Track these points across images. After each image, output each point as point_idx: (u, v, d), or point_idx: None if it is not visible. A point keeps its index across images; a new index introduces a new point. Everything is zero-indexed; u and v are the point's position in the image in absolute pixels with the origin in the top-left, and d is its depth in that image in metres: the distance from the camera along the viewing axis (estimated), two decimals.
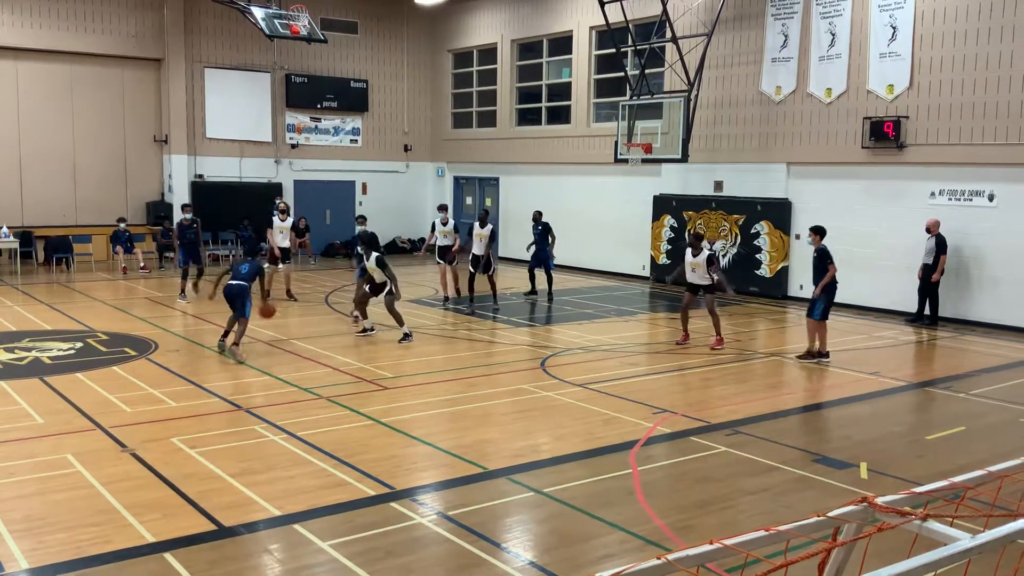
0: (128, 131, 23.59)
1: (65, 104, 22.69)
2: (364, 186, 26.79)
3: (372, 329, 13.70)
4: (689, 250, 13.31)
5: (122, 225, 21.48)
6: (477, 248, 16.73)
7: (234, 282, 12.21)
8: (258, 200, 24.06)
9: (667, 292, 19.71)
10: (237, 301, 12.09)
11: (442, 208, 18.12)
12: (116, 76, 23.28)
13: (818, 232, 12.39)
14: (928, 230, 15.29)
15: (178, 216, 22.97)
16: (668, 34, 18.58)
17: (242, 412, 9.23)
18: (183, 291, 17.22)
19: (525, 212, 24.46)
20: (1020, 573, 3.49)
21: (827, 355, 12.28)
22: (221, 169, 24.37)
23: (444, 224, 17.26)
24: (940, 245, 15.14)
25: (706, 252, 13.15)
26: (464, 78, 27.20)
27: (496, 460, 7.82)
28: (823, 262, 12.24)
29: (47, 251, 22.02)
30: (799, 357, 12.41)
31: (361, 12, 26.30)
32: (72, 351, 12.18)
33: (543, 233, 17.81)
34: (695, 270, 13.17)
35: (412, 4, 26.18)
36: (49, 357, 11.75)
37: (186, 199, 23.75)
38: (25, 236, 21.83)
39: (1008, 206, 14.98)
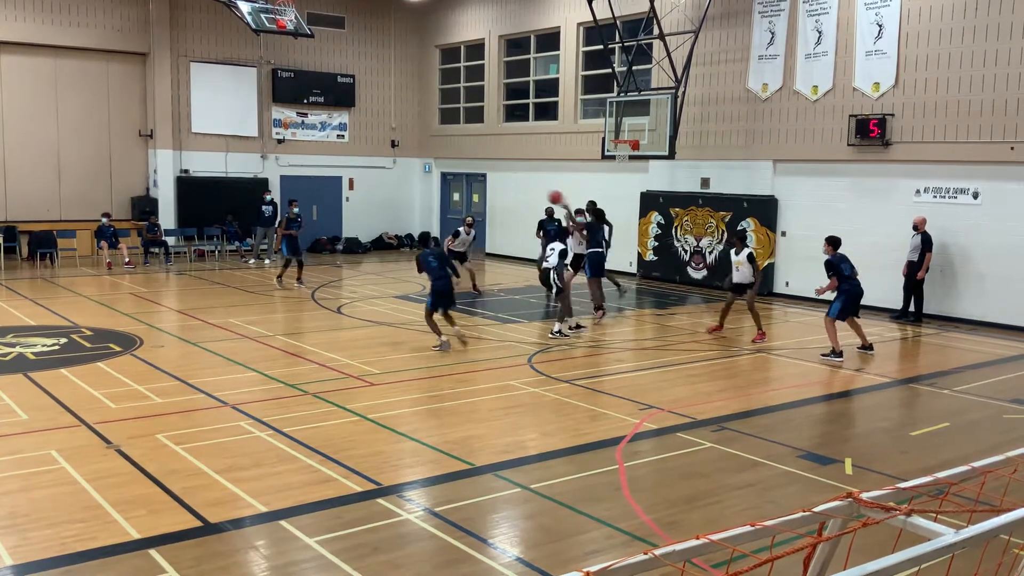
0: (113, 125, 23.43)
1: (49, 98, 22.52)
2: (351, 182, 26.72)
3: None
4: (732, 250, 13.97)
5: (106, 220, 21.36)
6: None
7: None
8: (244, 195, 24.02)
9: (653, 288, 19.77)
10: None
11: (468, 223, 18.43)
12: (101, 70, 23.12)
13: (830, 242, 12.63)
14: (915, 227, 15.38)
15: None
16: (655, 31, 18.60)
17: (228, 408, 9.20)
18: (280, 277, 18.40)
19: (512, 208, 24.52)
20: (1003, 568, 3.52)
21: (840, 354, 12.29)
22: (207, 164, 24.24)
23: (468, 234, 18.05)
24: (926, 242, 15.23)
25: (747, 250, 13.74)
26: (451, 74, 27.15)
27: (483, 456, 7.82)
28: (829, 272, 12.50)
29: (31, 246, 21.87)
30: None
31: (348, 7, 26.21)
32: (56, 347, 12.10)
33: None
34: (739, 268, 13.66)
35: None
36: (33, 353, 11.67)
37: (171, 194, 23.70)
38: (9, 231, 21.68)
39: (992, 204, 15.08)
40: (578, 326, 14.02)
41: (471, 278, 17.92)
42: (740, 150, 18.89)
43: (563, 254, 14.36)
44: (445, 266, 12.64)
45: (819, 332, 13.87)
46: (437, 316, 12.69)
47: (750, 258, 13.56)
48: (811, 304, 17.01)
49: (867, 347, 12.64)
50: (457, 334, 12.57)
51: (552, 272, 14.20)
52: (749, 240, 18.64)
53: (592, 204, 16.86)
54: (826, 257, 12.53)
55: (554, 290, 14.39)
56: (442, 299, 12.58)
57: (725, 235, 19.12)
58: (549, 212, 18.75)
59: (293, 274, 18.62)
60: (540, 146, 23.76)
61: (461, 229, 18.09)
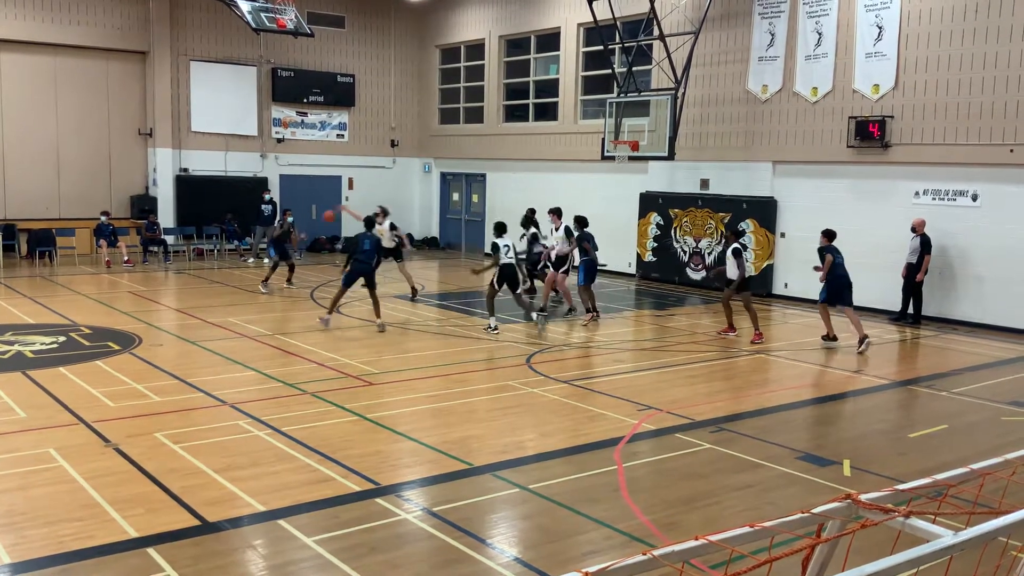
0: (112, 124, 23.42)
1: (49, 96, 22.51)
2: (351, 181, 26.71)
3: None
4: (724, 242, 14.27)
5: (105, 218, 21.35)
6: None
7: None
8: (243, 195, 24.01)
9: (652, 289, 19.77)
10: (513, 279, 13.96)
11: (376, 212, 17.09)
12: (100, 68, 23.11)
13: (825, 234, 13.20)
14: (913, 229, 15.39)
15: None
16: (656, 32, 18.60)
17: (226, 407, 9.19)
18: (266, 280, 17.65)
19: (512, 209, 24.48)
20: (1001, 570, 3.52)
21: (834, 339, 13.07)
22: (206, 163, 24.24)
23: (382, 223, 16.96)
24: (925, 244, 15.24)
25: (734, 245, 13.76)
26: (451, 74, 27.15)
27: (481, 456, 7.82)
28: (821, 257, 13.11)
29: (30, 244, 21.86)
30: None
31: (348, 6, 26.20)
32: (55, 345, 12.09)
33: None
34: (727, 263, 13.75)
35: None
36: (32, 351, 11.66)
37: (171, 193, 23.70)
38: (8, 229, 21.66)
39: (991, 206, 15.09)
40: (532, 315, 14.07)
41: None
42: (740, 151, 18.89)
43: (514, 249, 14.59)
44: (373, 253, 13.87)
45: (817, 333, 13.87)
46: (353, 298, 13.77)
47: (735, 253, 13.58)
48: (810, 305, 17.00)
49: (863, 339, 12.83)
50: (380, 326, 13.53)
51: (518, 269, 14.53)
52: (747, 240, 18.63)
53: (559, 210, 16.42)
54: (820, 248, 13.07)
55: (522, 285, 14.84)
56: (353, 277, 13.67)
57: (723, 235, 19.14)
58: (529, 214, 18.41)
59: (283, 274, 18.50)
60: (540, 147, 23.76)
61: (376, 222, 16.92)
